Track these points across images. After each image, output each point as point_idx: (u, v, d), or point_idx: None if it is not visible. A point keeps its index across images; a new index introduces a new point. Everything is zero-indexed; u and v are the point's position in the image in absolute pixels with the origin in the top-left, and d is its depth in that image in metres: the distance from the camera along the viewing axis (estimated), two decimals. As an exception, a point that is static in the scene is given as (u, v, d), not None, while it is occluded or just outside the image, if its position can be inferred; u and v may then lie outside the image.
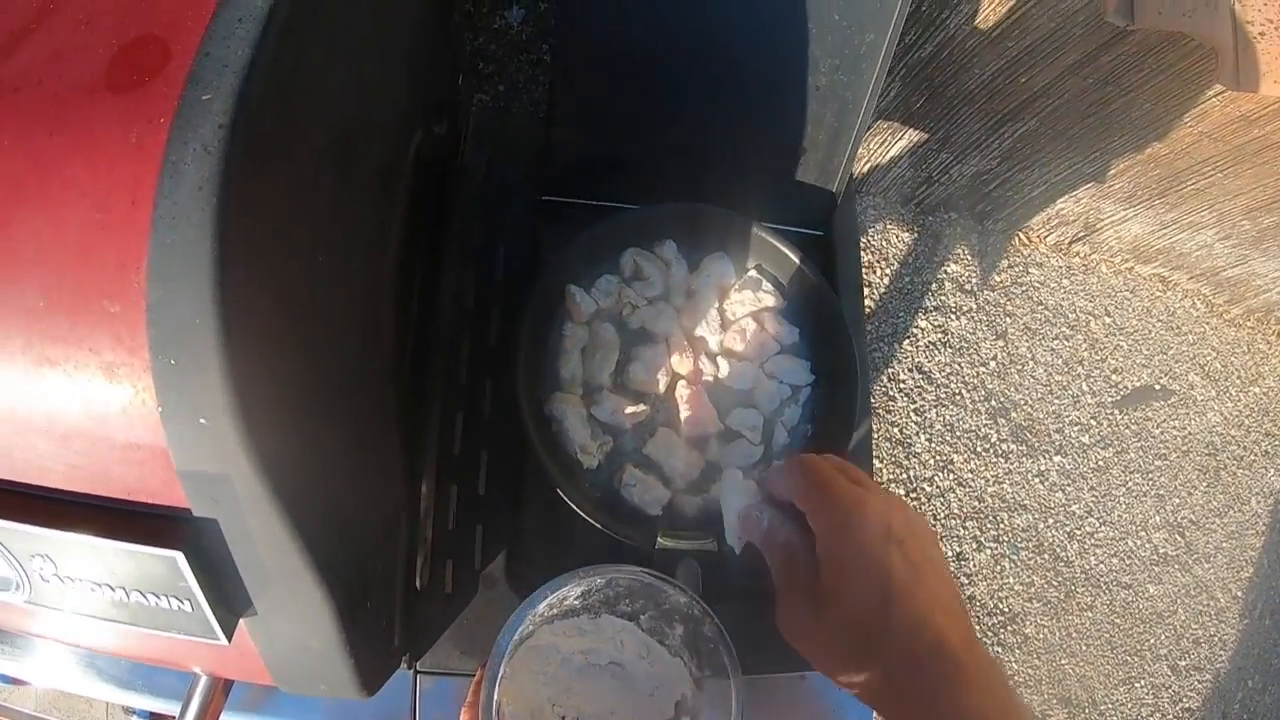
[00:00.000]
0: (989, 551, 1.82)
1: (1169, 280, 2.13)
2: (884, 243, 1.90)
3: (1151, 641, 1.90)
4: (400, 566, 0.64)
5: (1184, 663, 1.92)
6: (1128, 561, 1.93)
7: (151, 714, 0.70)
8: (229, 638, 0.44)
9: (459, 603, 0.67)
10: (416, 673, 0.67)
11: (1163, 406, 2.05)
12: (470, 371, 0.73)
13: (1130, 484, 1.97)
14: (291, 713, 0.68)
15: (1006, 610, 1.81)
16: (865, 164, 1.78)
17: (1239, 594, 2.00)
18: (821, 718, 0.75)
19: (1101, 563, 1.90)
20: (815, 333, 0.77)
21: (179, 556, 0.39)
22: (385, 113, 0.57)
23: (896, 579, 0.46)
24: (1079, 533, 1.90)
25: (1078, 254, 2.06)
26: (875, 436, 1.73)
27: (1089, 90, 1.48)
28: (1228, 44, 1.10)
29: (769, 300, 0.76)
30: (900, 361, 1.85)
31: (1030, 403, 1.93)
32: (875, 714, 0.76)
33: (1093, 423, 1.97)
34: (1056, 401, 1.95)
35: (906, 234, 1.91)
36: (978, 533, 1.83)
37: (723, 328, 0.76)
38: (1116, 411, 2.00)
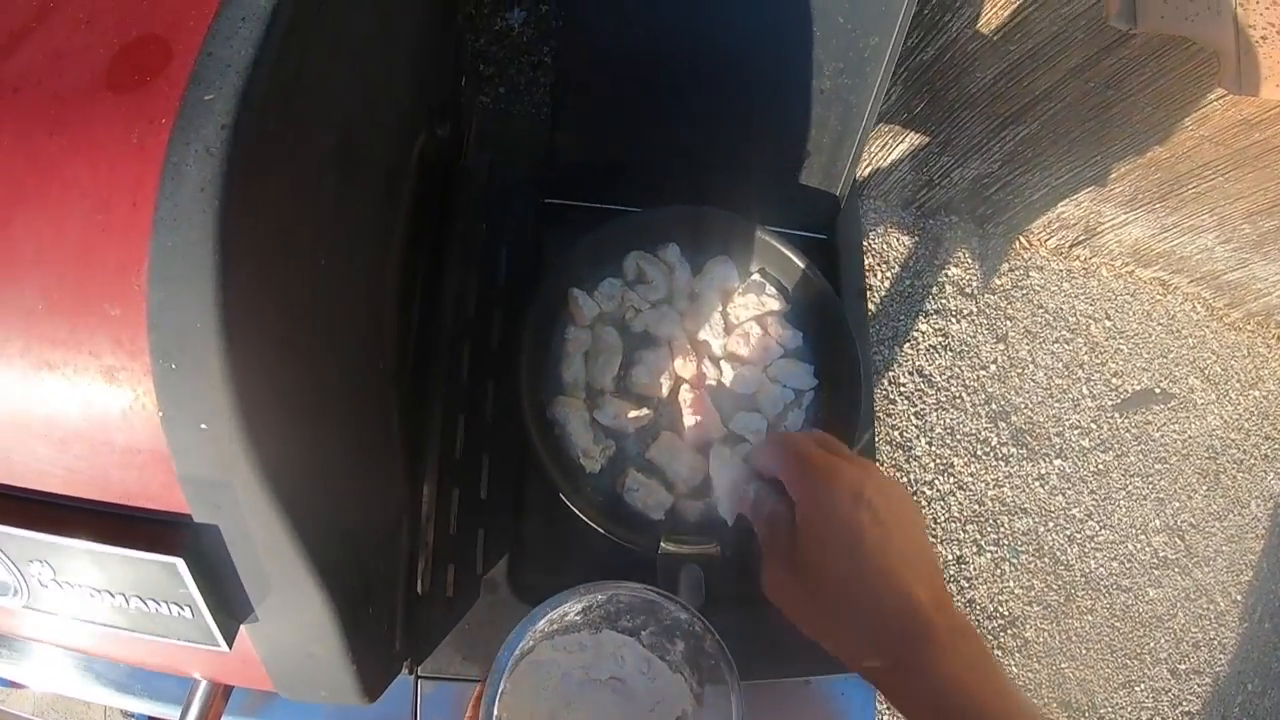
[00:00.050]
0: (989, 555, 1.82)
1: (1169, 284, 2.13)
2: (885, 246, 1.89)
3: (1151, 645, 1.90)
4: (401, 571, 0.63)
5: (1184, 666, 1.91)
6: (1128, 565, 1.92)
7: (150, 718, 0.70)
8: (230, 644, 0.43)
9: (460, 607, 0.67)
10: (418, 678, 0.66)
11: (1163, 410, 2.05)
12: (472, 374, 0.73)
13: (1130, 487, 1.97)
14: (291, 718, 0.67)
15: (1006, 614, 1.80)
16: (866, 167, 1.78)
17: (1239, 597, 2.00)
18: (824, 724, 0.75)
19: (1101, 566, 1.90)
20: (818, 336, 0.77)
21: (179, 563, 0.38)
22: (389, 114, 0.57)
23: (866, 540, 0.48)
24: (1079, 536, 1.90)
25: (1078, 257, 2.06)
26: (875, 439, 1.73)
27: (1090, 94, 1.47)
28: (1229, 48, 1.10)
29: (772, 304, 0.76)
30: (901, 365, 1.85)
31: (1030, 406, 1.93)
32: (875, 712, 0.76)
33: (1093, 426, 1.97)
34: (1057, 405, 1.95)
35: (907, 237, 1.91)
36: (978, 536, 1.82)
37: (726, 331, 0.75)
38: (1117, 415, 2.00)
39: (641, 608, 0.55)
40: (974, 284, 1.94)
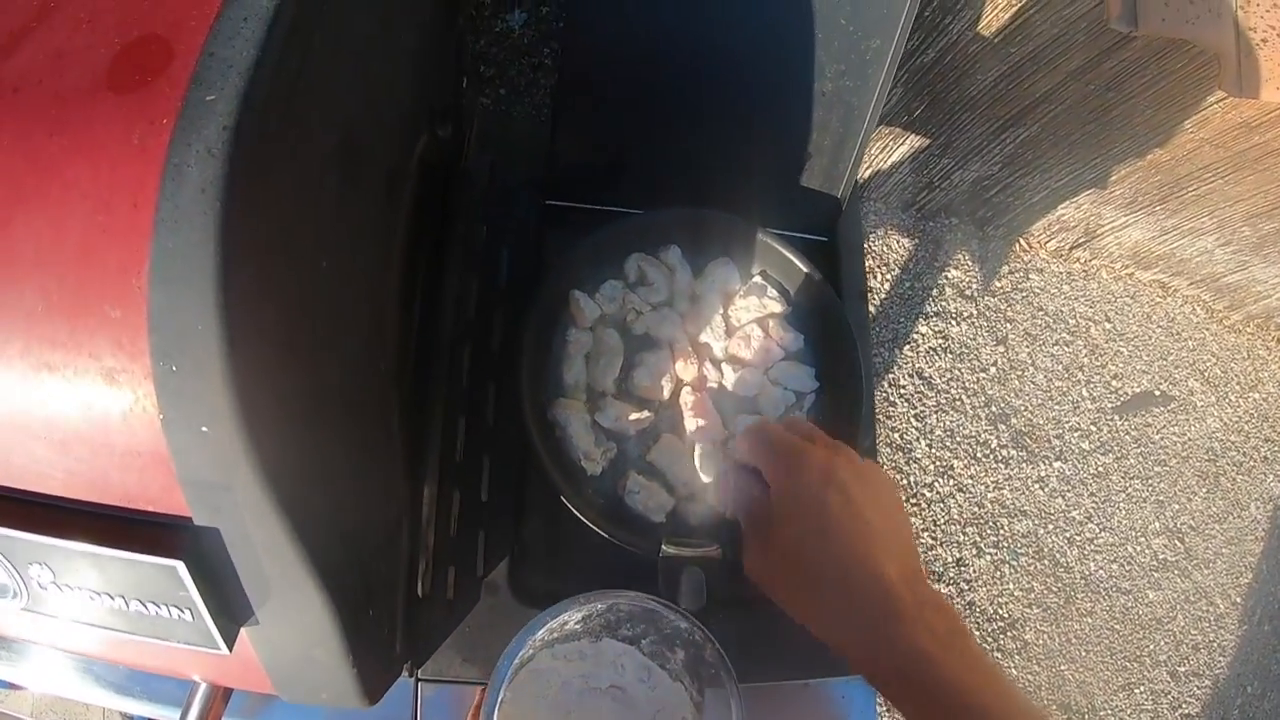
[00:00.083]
0: (989, 557, 1.82)
1: (1169, 286, 2.13)
2: (885, 248, 1.89)
3: (1151, 647, 1.90)
4: (402, 573, 0.63)
5: (1183, 669, 1.91)
6: (1127, 567, 1.92)
7: (148, 721, 0.70)
8: (230, 647, 0.43)
9: (461, 610, 0.67)
10: (418, 680, 0.66)
11: (1162, 412, 2.05)
12: (473, 376, 0.72)
13: (1130, 490, 1.97)
14: (291, 721, 0.67)
15: (1006, 616, 1.80)
16: (866, 169, 1.78)
17: (1238, 600, 2.00)
18: (825, 727, 0.75)
19: (1101, 568, 1.90)
20: (820, 339, 0.77)
21: (180, 566, 0.38)
22: (391, 115, 0.57)
23: (833, 518, 0.50)
24: (1079, 538, 1.90)
25: (1078, 260, 2.06)
26: (876, 442, 1.73)
27: (1091, 96, 1.47)
28: (1230, 50, 1.10)
29: (774, 306, 0.76)
30: (900, 367, 1.85)
31: (1030, 408, 1.93)
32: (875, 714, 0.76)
33: (1093, 428, 1.97)
34: (1056, 407, 1.95)
35: (907, 239, 1.91)
36: (977, 538, 1.82)
37: (727, 334, 0.75)
38: (1116, 417, 2.00)
39: (641, 616, 0.55)
40: (974, 286, 1.94)
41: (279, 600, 0.43)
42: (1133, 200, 1.80)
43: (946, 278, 1.92)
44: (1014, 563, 1.84)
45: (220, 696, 0.59)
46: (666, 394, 0.72)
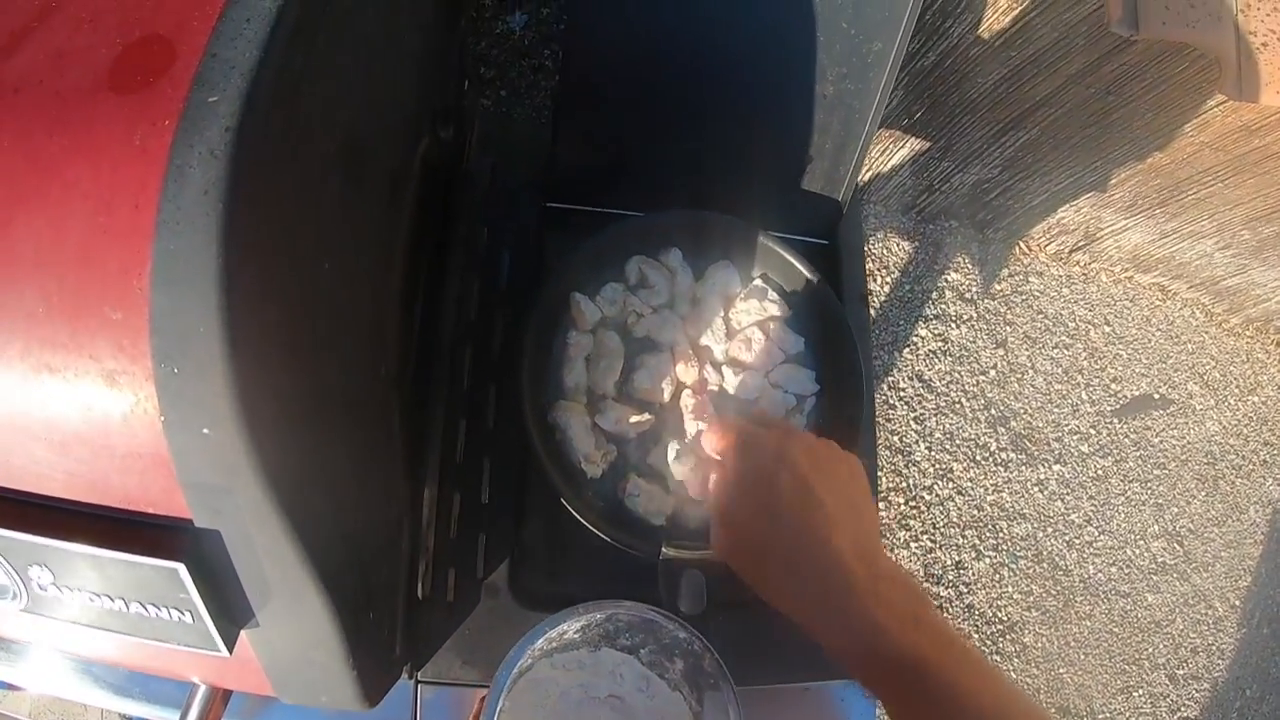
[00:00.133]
0: (988, 560, 1.82)
1: (1168, 289, 2.13)
2: (885, 251, 1.89)
3: (1150, 650, 1.90)
4: (402, 575, 0.63)
5: (1182, 672, 1.91)
6: (1126, 570, 1.92)
7: (147, 723, 0.69)
8: (230, 649, 0.43)
9: (461, 612, 0.67)
10: (417, 682, 0.66)
11: (1162, 415, 2.05)
12: (474, 378, 0.72)
13: (1129, 493, 1.97)
14: (290, 723, 0.67)
15: (1005, 619, 1.80)
16: (867, 172, 1.78)
17: (1237, 603, 2.00)
18: (825, 730, 0.74)
19: (1100, 571, 1.90)
20: (820, 342, 0.77)
21: (180, 568, 0.38)
22: (393, 116, 0.57)
23: (784, 495, 0.52)
24: (1078, 541, 1.90)
25: (1078, 263, 2.06)
26: (876, 444, 1.73)
27: (1091, 100, 1.47)
28: (1230, 54, 1.10)
29: (774, 309, 0.76)
30: (900, 370, 1.85)
31: (1030, 411, 1.93)
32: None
33: (1092, 431, 1.97)
34: (1056, 410, 1.95)
35: (907, 242, 1.91)
36: (977, 541, 1.82)
37: (728, 336, 0.75)
38: (1115, 420, 2.00)
39: (640, 626, 0.55)
40: (974, 289, 1.94)
41: (279, 602, 0.43)
42: (1132, 204, 1.80)
43: (946, 281, 1.92)
44: (1013, 566, 1.83)
45: (219, 698, 0.58)
46: (667, 397, 0.72)
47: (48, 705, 1.39)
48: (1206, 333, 2.16)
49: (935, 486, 1.82)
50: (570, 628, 0.54)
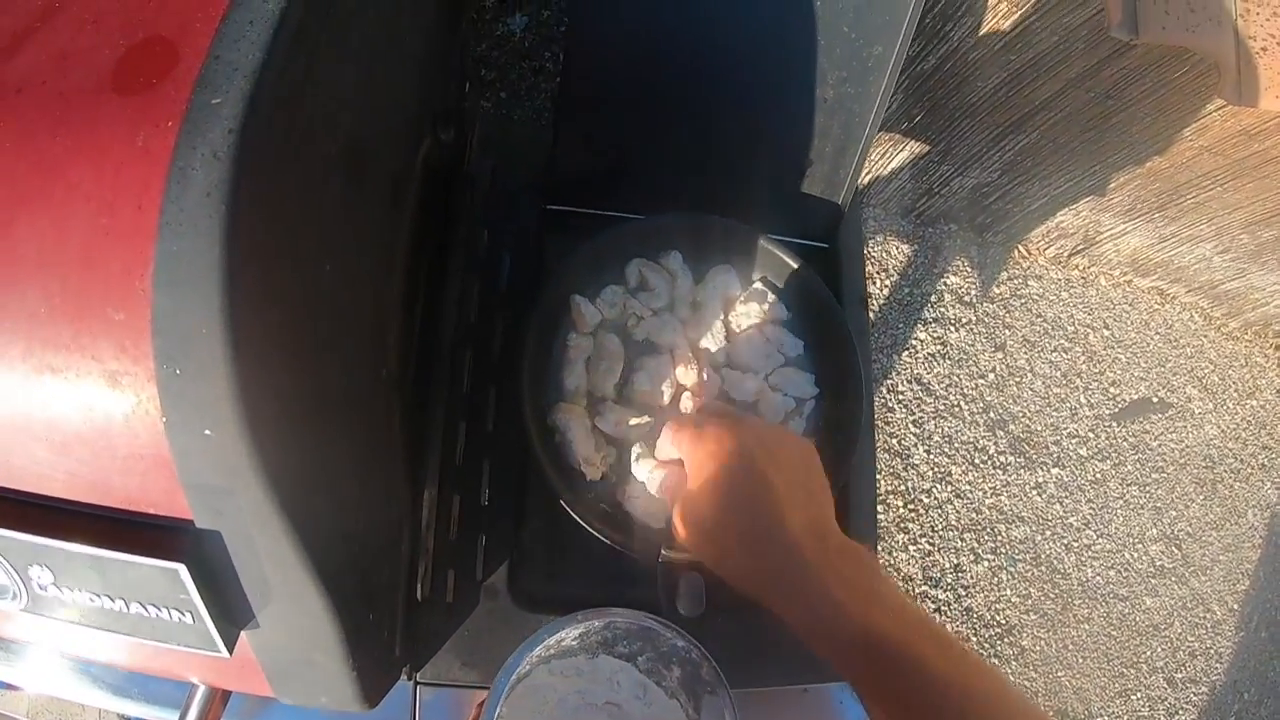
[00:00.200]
0: (986, 563, 1.82)
1: (1167, 293, 2.13)
2: (884, 254, 1.90)
3: (1148, 654, 1.90)
4: (402, 577, 0.63)
5: (1180, 675, 1.91)
6: (1124, 574, 1.92)
7: (146, 723, 0.69)
8: (230, 650, 0.43)
9: (460, 613, 0.67)
10: (417, 684, 0.66)
11: (1160, 419, 2.05)
12: (474, 380, 0.72)
13: (1127, 496, 1.97)
14: (289, 723, 0.67)
15: (1003, 622, 1.80)
16: (866, 175, 1.78)
17: (1235, 607, 2.00)
18: (823, 733, 0.74)
19: (1098, 575, 1.90)
20: (820, 345, 0.77)
21: (181, 568, 0.38)
22: (395, 118, 0.57)
23: (733, 478, 0.53)
24: (1076, 545, 1.90)
25: (1077, 267, 2.06)
26: (875, 447, 1.73)
27: (1090, 104, 1.48)
28: (1230, 59, 1.10)
29: (774, 312, 0.76)
30: (899, 373, 1.85)
31: (1028, 415, 1.93)
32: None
33: (1090, 435, 1.97)
34: (1054, 414, 1.95)
35: (906, 246, 1.91)
36: (975, 545, 1.82)
37: (727, 339, 0.75)
38: (1114, 424, 2.00)
39: (638, 634, 0.55)
40: (973, 292, 1.94)
41: (280, 603, 0.43)
42: (1131, 207, 1.80)
43: (945, 284, 1.93)
44: (1011, 569, 1.83)
45: (219, 699, 0.58)
46: (667, 399, 0.72)
47: (45, 705, 1.39)
48: (1205, 336, 2.16)
49: (934, 490, 1.82)
50: (569, 635, 0.54)
